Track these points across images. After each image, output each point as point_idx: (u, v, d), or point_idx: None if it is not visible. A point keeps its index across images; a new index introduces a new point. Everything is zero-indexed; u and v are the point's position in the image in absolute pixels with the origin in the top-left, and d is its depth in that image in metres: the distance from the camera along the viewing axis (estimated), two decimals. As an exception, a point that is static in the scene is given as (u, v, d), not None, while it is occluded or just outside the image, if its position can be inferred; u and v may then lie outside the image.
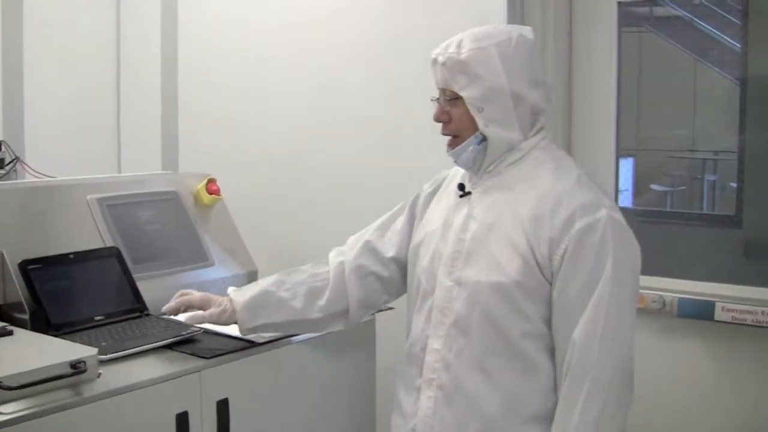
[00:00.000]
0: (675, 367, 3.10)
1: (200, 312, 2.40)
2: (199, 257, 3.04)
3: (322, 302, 2.39)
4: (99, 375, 2.17)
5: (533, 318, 2.07)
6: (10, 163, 3.05)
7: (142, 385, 2.21)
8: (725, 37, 3.47)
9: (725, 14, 3.39)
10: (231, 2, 3.95)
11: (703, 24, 3.42)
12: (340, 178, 3.61)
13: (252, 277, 3.18)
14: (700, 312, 3.05)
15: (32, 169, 3.08)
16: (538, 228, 2.04)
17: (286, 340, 2.59)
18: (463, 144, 2.12)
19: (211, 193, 3.18)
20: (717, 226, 3.66)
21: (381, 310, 2.67)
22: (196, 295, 2.46)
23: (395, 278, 2.43)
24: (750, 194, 3.18)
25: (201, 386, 2.34)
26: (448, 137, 2.17)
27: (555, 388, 2.08)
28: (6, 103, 3.78)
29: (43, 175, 3.09)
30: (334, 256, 2.46)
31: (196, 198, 3.18)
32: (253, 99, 3.90)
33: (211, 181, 3.20)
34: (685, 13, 3.37)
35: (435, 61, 2.11)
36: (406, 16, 3.44)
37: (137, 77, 4.27)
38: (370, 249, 2.42)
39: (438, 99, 2.16)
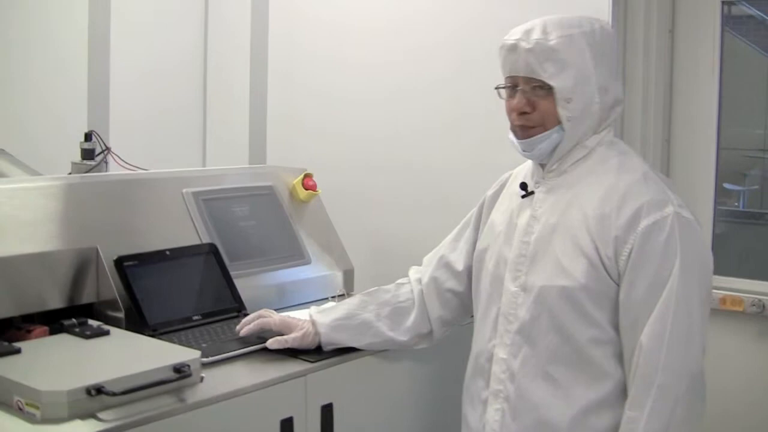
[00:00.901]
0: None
1: (282, 337, 2.28)
2: (295, 255, 2.91)
3: (408, 323, 2.33)
4: (202, 379, 2.04)
5: (601, 323, 1.97)
6: (100, 154, 2.93)
7: (247, 390, 2.08)
8: None
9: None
10: (321, 3, 3.80)
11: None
12: (436, 175, 3.45)
13: (349, 276, 3.07)
14: None
15: (123, 161, 2.96)
16: (604, 227, 1.94)
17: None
18: (544, 134, 2.01)
19: (307, 189, 3.05)
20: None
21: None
22: (274, 318, 2.35)
23: (469, 292, 2.33)
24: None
25: (306, 391, 2.21)
26: (519, 125, 2.05)
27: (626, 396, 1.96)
28: (92, 94, 3.68)
29: (135, 167, 2.98)
30: (413, 274, 2.42)
31: (292, 193, 3.05)
32: (343, 97, 3.75)
33: (307, 175, 3.07)
34: (759, 12, 3.30)
35: (515, 47, 2.00)
36: (500, 13, 3.28)
37: (226, 74, 4.14)
38: (444, 264, 2.36)
39: (507, 87, 2.07)
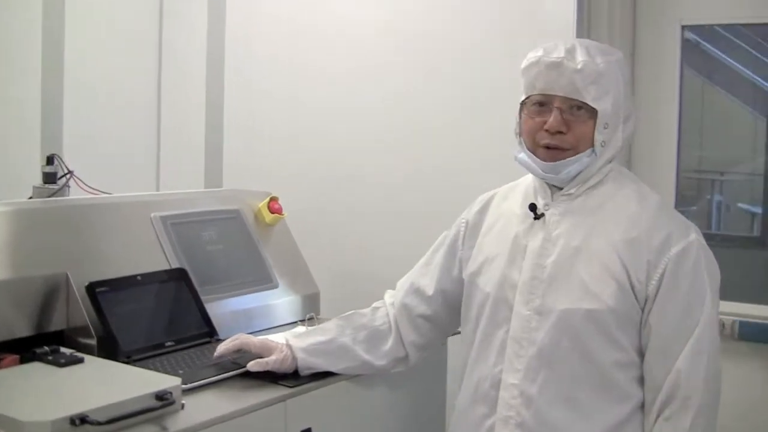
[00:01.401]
0: (735, 390, 2.96)
1: (263, 359, 2.24)
2: (263, 279, 2.89)
3: (386, 348, 2.32)
4: (183, 406, 2.01)
5: (625, 346, 1.97)
6: (62, 177, 2.87)
7: (229, 417, 2.05)
8: (732, 61, 3.53)
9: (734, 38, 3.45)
10: (282, 12, 3.80)
11: (712, 48, 3.45)
12: (404, 194, 3.46)
13: (315, 299, 3.04)
14: (762, 335, 3.01)
15: (86, 185, 2.91)
16: (635, 251, 1.95)
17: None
18: (576, 156, 1.99)
19: (273, 212, 3.02)
20: (737, 246, 3.70)
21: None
22: (254, 340, 2.31)
23: (442, 315, 2.33)
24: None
25: (286, 416, 2.18)
26: (547, 145, 2.01)
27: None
28: (45, 117, 3.62)
29: (98, 191, 2.92)
30: (388, 298, 2.40)
31: (258, 217, 3.03)
32: (304, 111, 3.75)
33: (273, 199, 3.05)
34: (694, 36, 3.36)
35: (558, 65, 1.95)
36: (466, 26, 3.31)
37: (180, 96, 4.10)
38: (414, 290, 2.34)
39: (540, 104, 2.01)
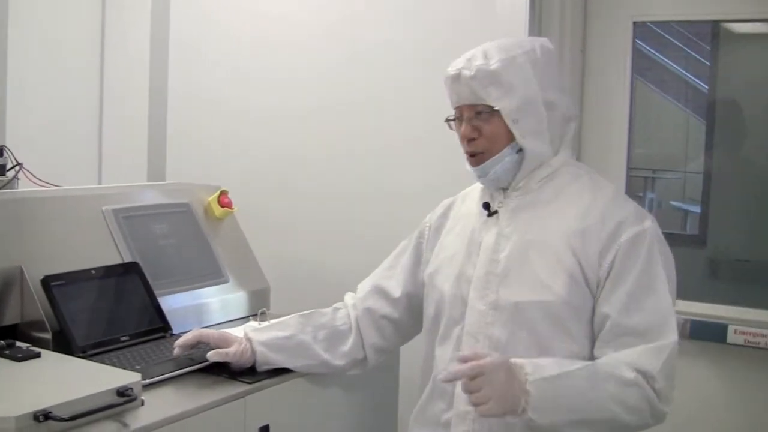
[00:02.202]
0: (686, 389, 3.02)
1: (224, 350, 2.24)
2: (214, 273, 2.89)
3: (345, 348, 2.32)
4: (143, 402, 2.01)
5: (580, 338, 1.99)
6: (11, 169, 2.84)
7: (190, 414, 2.05)
8: (664, 59, 3.58)
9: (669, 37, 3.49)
10: (225, 14, 3.79)
11: (644, 45, 3.46)
12: (351, 192, 3.48)
13: (264, 294, 3.04)
14: (713, 334, 3.01)
15: (36, 177, 2.88)
16: (587, 242, 1.97)
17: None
18: (497, 156, 2.04)
19: (223, 206, 3.02)
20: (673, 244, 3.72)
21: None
22: (212, 332, 2.32)
23: (405, 318, 2.34)
24: (715, 215, 3.26)
25: (245, 412, 2.19)
26: (468, 152, 2.08)
27: None
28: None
29: (48, 183, 2.90)
30: (349, 300, 2.41)
31: (207, 211, 3.02)
32: (247, 114, 3.74)
33: (223, 193, 3.04)
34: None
35: (458, 77, 2.02)
36: (415, 26, 3.33)
37: (123, 88, 4.06)
38: (379, 291, 2.35)
39: (457, 118, 2.08)
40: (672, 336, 1.93)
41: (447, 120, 2.10)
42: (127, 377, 2.02)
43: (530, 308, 1.98)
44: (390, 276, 2.34)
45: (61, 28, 3.90)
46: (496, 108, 1.99)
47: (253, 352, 2.25)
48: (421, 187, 3.21)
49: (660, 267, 1.96)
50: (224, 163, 3.72)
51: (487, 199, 2.12)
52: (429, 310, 2.20)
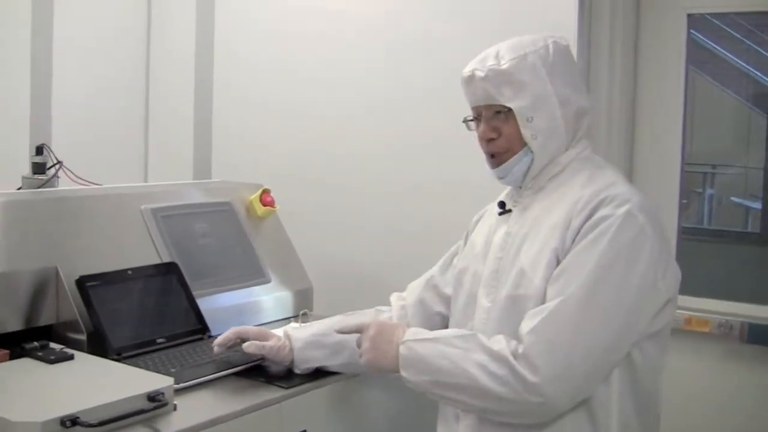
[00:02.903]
0: (743, 396, 2.93)
1: (260, 342, 2.24)
2: (255, 273, 2.83)
3: None
4: (175, 407, 1.96)
5: None
6: (51, 167, 2.82)
7: (223, 419, 2.01)
8: (724, 51, 3.48)
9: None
10: (269, 14, 3.73)
11: (705, 39, 3.36)
12: (396, 191, 3.38)
13: (308, 294, 2.99)
14: None
15: (76, 176, 2.85)
16: (568, 234, 1.91)
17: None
18: (515, 158, 2.01)
19: (265, 205, 2.97)
20: (732, 242, 3.69)
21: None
22: (251, 328, 2.32)
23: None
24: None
25: (281, 418, 2.14)
26: (488, 153, 2.06)
27: (592, 414, 1.88)
28: (35, 107, 3.55)
29: (87, 182, 2.87)
30: (395, 300, 2.36)
31: (249, 210, 2.97)
32: (292, 112, 3.65)
33: (265, 191, 3.00)
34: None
35: (471, 78, 2.02)
36: (464, 24, 3.24)
37: (169, 86, 4.02)
38: (432, 286, 2.31)
39: (474, 118, 2.07)
40: (558, 298, 1.83)
41: (465, 120, 2.10)
42: (159, 381, 1.97)
43: (516, 302, 1.93)
44: (442, 272, 2.31)
45: (107, 25, 3.88)
46: (509, 107, 1.97)
47: (291, 349, 2.23)
48: (468, 183, 3.10)
49: (598, 253, 1.83)
50: (269, 161, 3.65)
51: (505, 198, 2.11)
52: (455, 306, 2.19)
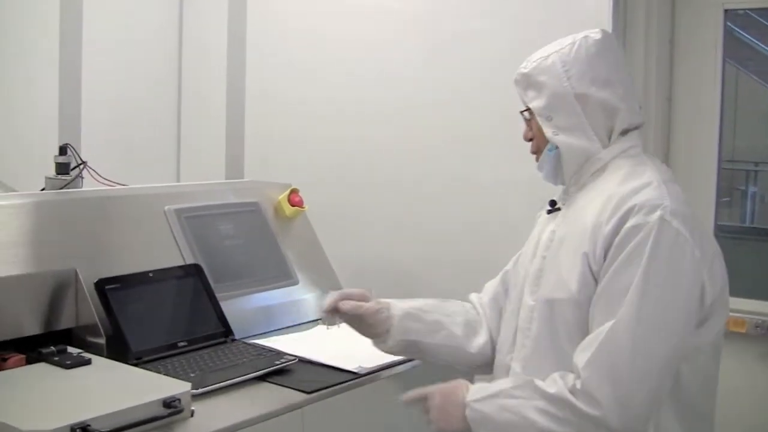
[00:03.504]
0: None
1: (357, 302, 2.18)
2: (283, 275, 2.78)
3: (480, 340, 2.20)
4: (192, 413, 1.90)
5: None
6: (75, 168, 2.77)
7: (242, 425, 1.95)
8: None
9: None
10: (302, 13, 3.67)
11: (748, 36, 3.28)
12: (428, 191, 3.31)
13: (336, 297, 2.90)
14: None
15: (100, 176, 2.81)
16: (597, 237, 1.84)
17: (388, 370, 2.33)
18: (542, 155, 2.02)
19: (294, 205, 2.92)
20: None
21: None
22: (355, 290, 2.25)
23: None
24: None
25: (303, 423, 2.08)
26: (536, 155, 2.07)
27: None
28: (63, 107, 3.52)
29: (112, 182, 2.83)
30: (476, 299, 2.30)
31: (277, 210, 2.92)
32: (326, 111, 3.60)
33: (293, 191, 2.94)
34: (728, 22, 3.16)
35: (514, 83, 2.05)
36: (496, 19, 3.16)
37: (201, 86, 3.99)
38: (504, 281, 2.26)
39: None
40: (612, 321, 1.75)
41: (523, 113, 2.07)
42: (176, 387, 1.92)
43: (553, 306, 1.91)
44: (514, 267, 2.23)
45: (138, 24, 3.85)
46: (529, 107, 2.01)
47: (390, 317, 2.17)
48: (503, 181, 3.08)
49: (641, 266, 1.75)
50: (302, 160, 3.60)
51: (556, 197, 2.07)
52: (505, 305, 2.17)
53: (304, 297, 2.81)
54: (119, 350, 2.20)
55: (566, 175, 2.00)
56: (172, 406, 1.84)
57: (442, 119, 3.25)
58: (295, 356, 2.31)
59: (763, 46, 3.40)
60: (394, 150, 3.38)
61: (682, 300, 1.77)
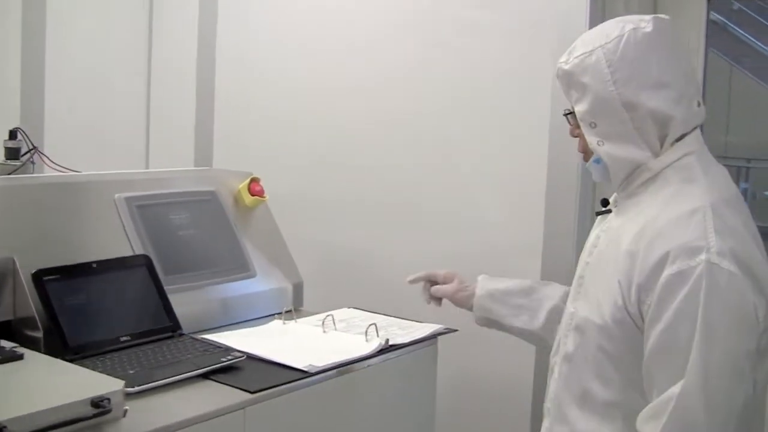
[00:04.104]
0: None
1: (443, 286, 2.34)
2: (239, 267, 2.67)
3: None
4: (125, 413, 1.79)
5: (616, 382, 1.80)
6: (26, 153, 2.66)
7: (178, 426, 1.84)
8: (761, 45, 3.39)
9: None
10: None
11: (739, 30, 3.24)
12: (394, 179, 3.23)
13: (298, 290, 2.82)
14: None
15: (53, 162, 2.70)
16: (630, 269, 1.73)
17: (342, 369, 2.23)
18: (588, 164, 1.91)
19: (254, 194, 2.80)
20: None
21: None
22: (440, 271, 2.38)
23: None
24: None
25: (245, 425, 1.97)
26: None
27: None
28: (25, 88, 3.42)
29: (66, 168, 2.72)
30: None
31: (237, 199, 2.81)
32: (297, 92, 3.52)
33: (254, 180, 2.83)
34: (720, 17, 3.10)
35: (556, 75, 1.90)
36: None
37: (170, 65, 3.91)
38: None
39: (569, 112, 1.93)
40: (677, 388, 1.63)
41: (564, 114, 1.95)
42: (107, 385, 1.80)
43: (587, 326, 1.84)
44: None
45: (107, 8, 3.76)
46: (573, 111, 1.87)
47: (472, 294, 2.28)
48: (478, 172, 3.03)
49: (697, 318, 1.62)
50: (268, 148, 3.52)
51: (611, 197, 1.96)
52: None
53: (261, 290, 2.70)
54: (56, 345, 2.09)
55: (614, 184, 1.88)
56: (100, 405, 1.73)
57: (413, 106, 3.18)
58: (244, 353, 2.20)
59: (758, 42, 3.38)
60: (364, 139, 3.31)
61: (747, 342, 1.65)
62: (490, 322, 2.27)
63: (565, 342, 1.91)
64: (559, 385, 1.91)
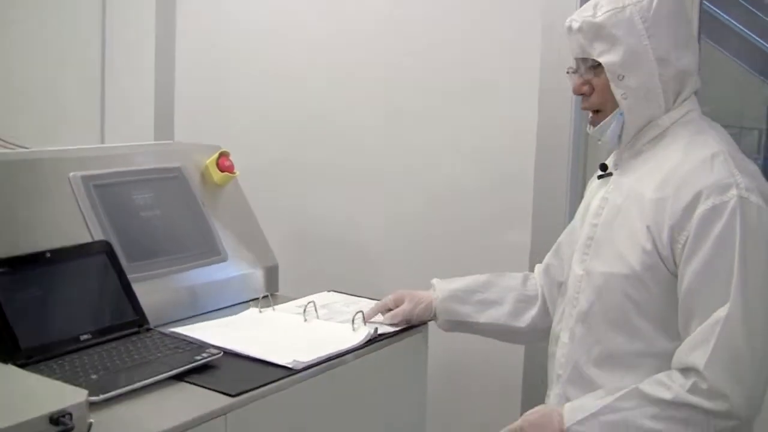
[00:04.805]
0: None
1: (398, 310, 2.28)
2: (209, 251, 2.45)
3: (532, 312, 2.25)
4: (89, 427, 1.56)
5: (644, 328, 1.86)
6: (-32, 129, 2.42)
7: (149, 439, 1.60)
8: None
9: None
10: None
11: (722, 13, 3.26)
12: (377, 154, 3.10)
13: (272, 273, 2.63)
14: None
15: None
16: (660, 214, 1.82)
17: (329, 363, 2.03)
18: (608, 119, 1.94)
19: (223, 170, 2.58)
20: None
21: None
22: (389, 297, 2.33)
23: None
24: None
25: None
26: (584, 109, 2.01)
27: None
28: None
29: (15, 145, 2.50)
30: (537, 270, 2.33)
31: (204, 176, 2.59)
32: (263, 66, 3.39)
33: (223, 154, 2.60)
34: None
35: (570, 29, 1.94)
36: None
37: (127, 29, 3.69)
38: (557, 251, 2.27)
39: (575, 70, 1.98)
40: (723, 311, 1.72)
41: (568, 72, 2.00)
42: (68, 397, 1.56)
43: (610, 280, 1.89)
44: (569, 241, 2.18)
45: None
46: (600, 62, 1.90)
47: (431, 300, 2.28)
48: (450, 146, 2.95)
49: (735, 249, 1.73)
50: (237, 120, 3.39)
51: (608, 161, 2.04)
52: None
53: (234, 275, 2.49)
54: (5, 348, 1.85)
55: (624, 140, 1.95)
56: (60, 422, 1.49)
57: (385, 78, 3.08)
58: (220, 349, 1.98)
59: (741, 26, 3.40)
60: (340, 109, 3.18)
61: None
62: (456, 325, 2.28)
63: (574, 305, 1.96)
64: (572, 348, 1.96)
